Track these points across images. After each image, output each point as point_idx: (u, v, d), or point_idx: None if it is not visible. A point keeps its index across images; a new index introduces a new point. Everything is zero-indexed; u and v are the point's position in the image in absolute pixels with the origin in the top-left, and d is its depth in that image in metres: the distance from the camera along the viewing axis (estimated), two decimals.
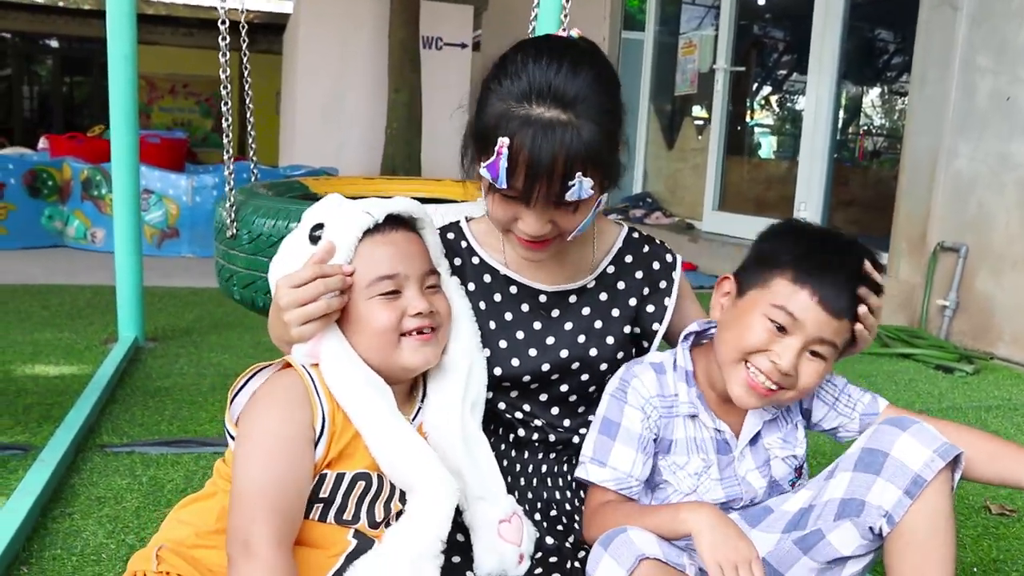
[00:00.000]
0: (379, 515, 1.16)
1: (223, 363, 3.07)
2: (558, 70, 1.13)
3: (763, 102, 7.13)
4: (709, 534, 1.11)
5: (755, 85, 6.90)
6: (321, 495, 1.12)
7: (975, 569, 1.81)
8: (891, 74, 5.93)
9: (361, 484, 1.14)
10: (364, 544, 1.12)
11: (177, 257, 5.51)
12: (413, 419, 1.23)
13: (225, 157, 2.23)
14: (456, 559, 1.20)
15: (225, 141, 2.48)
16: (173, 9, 11.79)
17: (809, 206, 5.38)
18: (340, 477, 1.13)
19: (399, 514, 1.16)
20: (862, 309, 1.21)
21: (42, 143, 7.13)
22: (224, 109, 2.47)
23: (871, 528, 1.16)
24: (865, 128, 6.22)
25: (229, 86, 2.47)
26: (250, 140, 2.94)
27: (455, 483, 1.14)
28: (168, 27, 12.31)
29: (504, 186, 1.13)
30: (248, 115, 2.83)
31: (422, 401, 1.25)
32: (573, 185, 1.12)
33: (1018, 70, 3.78)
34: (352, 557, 1.10)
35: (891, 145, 5.94)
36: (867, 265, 1.23)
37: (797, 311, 1.19)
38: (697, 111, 6.84)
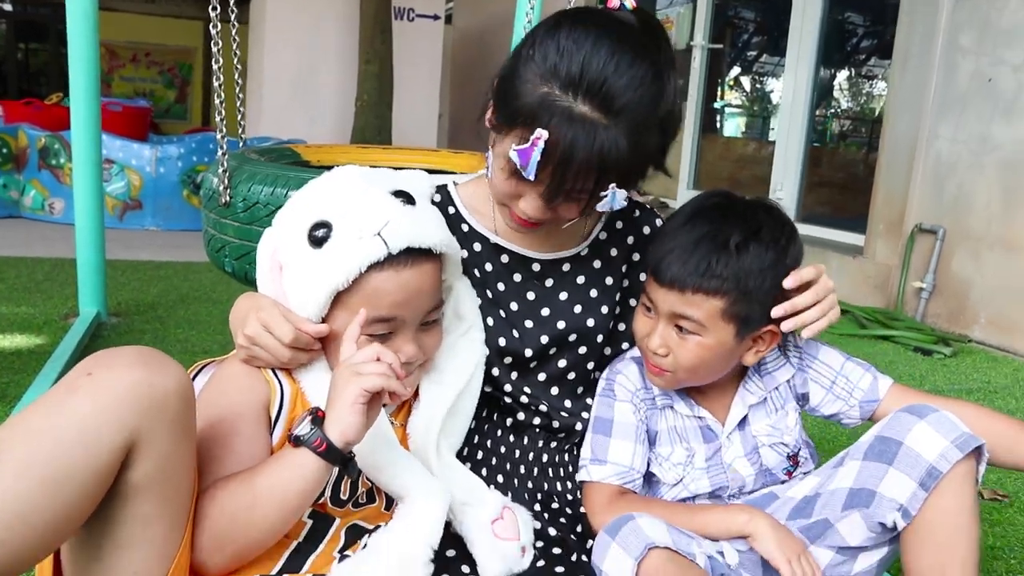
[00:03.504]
0: (344, 492, 1.08)
1: (190, 339, 2.95)
2: (616, 67, 1.02)
3: (739, 81, 7.08)
4: (773, 533, 1.12)
5: (731, 64, 6.84)
6: None
7: None
8: (870, 57, 5.91)
9: None
10: (321, 523, 1.06)
11: (140, 230, 5.33)
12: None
13: (217, 120, 2.17)
14: None
15: (216, 103, 2.38)
16: None
17: (785, 188, 5.35)
18: None
19: (368, 492, 1.10)
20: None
21: None
22: (216, 85, 2.38)
23: (882, 523, 1.10)
24: (843, 110, 6.20)
25: (221, 59, 2.39)
26: (225, 109, 2.80)
27: (447, 490, 1.08)
28: None
29: (532, 178, 1.06)
30: (219, 85, 2.70)
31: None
32: (605, 196, 1.07)
33: (1000, 51, 3.76)
34: (310, 537, 1.04)
35: (868, 128, 5.93)
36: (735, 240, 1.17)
37: (649, 292, 1.21)
38: None
